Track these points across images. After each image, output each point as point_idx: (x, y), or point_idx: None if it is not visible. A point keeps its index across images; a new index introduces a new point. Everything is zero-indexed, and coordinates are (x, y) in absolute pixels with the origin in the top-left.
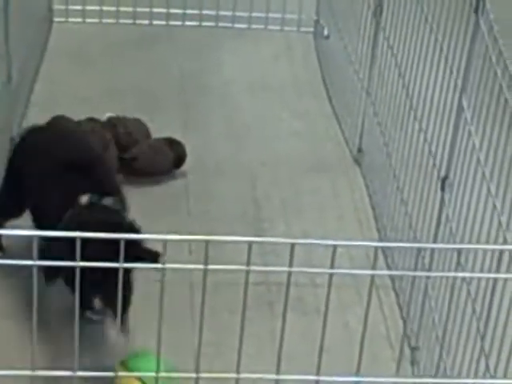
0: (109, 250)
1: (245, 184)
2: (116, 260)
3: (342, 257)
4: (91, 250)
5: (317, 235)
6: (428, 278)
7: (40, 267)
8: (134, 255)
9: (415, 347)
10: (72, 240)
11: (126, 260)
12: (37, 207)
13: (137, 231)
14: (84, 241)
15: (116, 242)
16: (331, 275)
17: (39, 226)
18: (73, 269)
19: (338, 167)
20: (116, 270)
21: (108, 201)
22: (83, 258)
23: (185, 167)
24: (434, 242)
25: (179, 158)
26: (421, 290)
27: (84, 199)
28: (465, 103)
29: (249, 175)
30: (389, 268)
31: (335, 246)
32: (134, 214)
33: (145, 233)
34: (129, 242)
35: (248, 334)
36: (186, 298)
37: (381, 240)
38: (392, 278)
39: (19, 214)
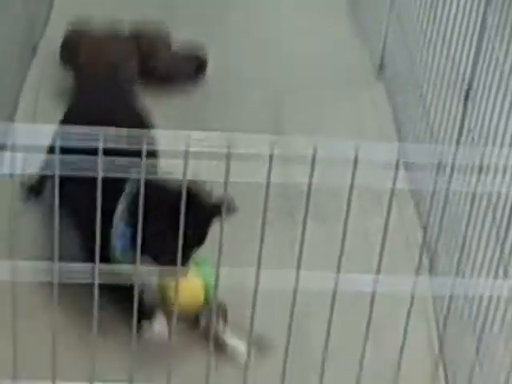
0: None
1: (266, 95)
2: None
3: (362, 170)
4: None
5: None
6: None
7: None
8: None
9: (434, 254)
10: None
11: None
12: None
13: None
14: None
15: None
16: (352, 184)
17: None
18: None
19: (361, 81)
20: None
21: None
22: None
23: (206, 76)
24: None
25: (201, 66)
26: (440, 200)
27: None
28: (489, 17)
29: (270, 87)
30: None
31: (357, 147)
32: (156, 123)
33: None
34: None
35: (269, 242)
36: None
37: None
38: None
39: None
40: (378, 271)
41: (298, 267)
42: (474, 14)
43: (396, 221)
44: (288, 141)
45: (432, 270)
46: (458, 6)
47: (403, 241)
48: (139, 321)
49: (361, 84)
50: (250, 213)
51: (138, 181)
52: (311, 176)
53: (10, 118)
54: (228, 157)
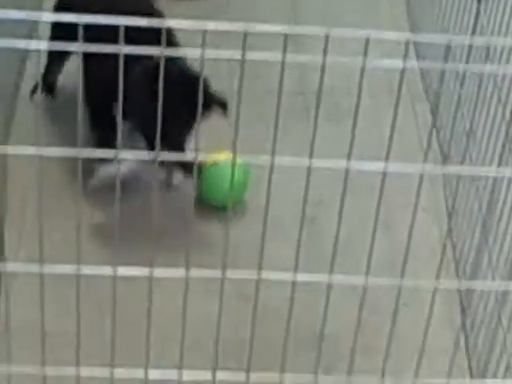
0: None
1: None
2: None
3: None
4: None
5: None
6: (457, 76)
7: None
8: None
9: (447, 155)
10: None
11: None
12: None
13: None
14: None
15: None
16: (363, 65)
17: None
18: None
19: None
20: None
21: None
22: None
23: None
24: (469, 52)
25: None
26: (453, 100)
27: None
28: None
29: None
30: (423, 77)
31: (368, 38)
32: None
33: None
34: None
35: (286, 140)
36: None
37: (416, 51)
38: (426, 88)
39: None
40: (387, 157)
41: (311, 154)
42: None
43: (410, 122)
44: (301, 32)
45: (443, 156)
46: None
47: (416, 140)
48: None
49: None
50: (267, 110)
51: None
52: (324, 56)
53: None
54: (243, 51)
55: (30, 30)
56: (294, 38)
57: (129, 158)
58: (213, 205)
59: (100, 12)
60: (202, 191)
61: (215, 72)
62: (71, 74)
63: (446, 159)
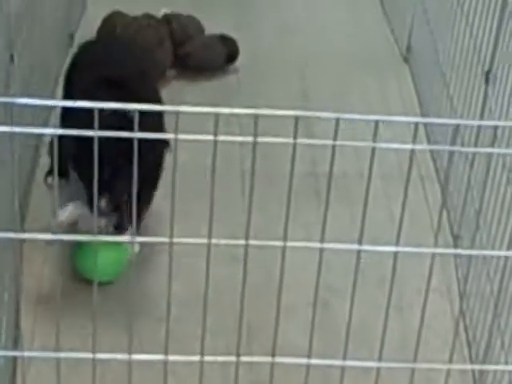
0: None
1: (295, 80)
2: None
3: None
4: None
5: (364, 130)
6: (466, 157)
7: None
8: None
9: (457, 235)
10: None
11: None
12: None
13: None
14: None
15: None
16: (374, 149)
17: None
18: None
19: (387, 65)
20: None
21: None
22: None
23: (237, 63)
24: (477, 134)
25: (232, 53)
26: (463, 181)
27: None
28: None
29: (299, 72)
30: (433, 159)
31: (377, 121)
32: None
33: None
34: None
35: (296, 222)
36: (237, 187)
37: (426, 133)
38: (437, 169)
39: None
40: (398, 240)
41: (322, 238)
42: None
43: (421, 203)
44: (313, 116)
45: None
46: None
47: (428, 222)
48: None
49: (387, 66)
50: (279, 192)
51: None
52: (333, 147)
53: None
54: (255, 135)
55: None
56: (304, 120)
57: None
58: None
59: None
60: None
61: (227, 154)
62: None
63: (456, 240)
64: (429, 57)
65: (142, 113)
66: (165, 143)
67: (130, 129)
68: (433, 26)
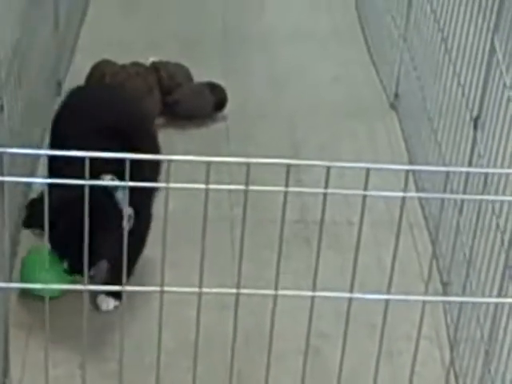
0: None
1: (284, 128)
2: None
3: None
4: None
5: (353, 177)
6: (455, 203)
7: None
8: None
9: (447, 282)
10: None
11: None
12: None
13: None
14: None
15: None
16: (364, 197)
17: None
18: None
19: (374, 112)
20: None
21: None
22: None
23: (225, 111)
24: (466, 180)
25: (220, 101)
26: (452, 228)
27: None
28: (497, 44)
29: (288, 119)
30: (422, 207)
31: (368, 169)
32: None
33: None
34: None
35: (286, 269)
36: (226, 235)
37: (415, 180)
38: (425, 216)
39: None
40: (389, 289)
41: (314, 285)
42: (482, 41)
43: (410, 251)
44: (304, 164)
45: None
46: (467, 33)
47: (417, 269)
48: None
49: (375, 113)
50: (269, 238)
51: None
52: (325, 196)
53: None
54: (247, 183)
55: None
56: (293, 168)
57: None
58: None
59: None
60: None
61: (217, 201)
62: None
63: (445, 286)
64: (416, 103)
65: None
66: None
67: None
68: (420, 73)
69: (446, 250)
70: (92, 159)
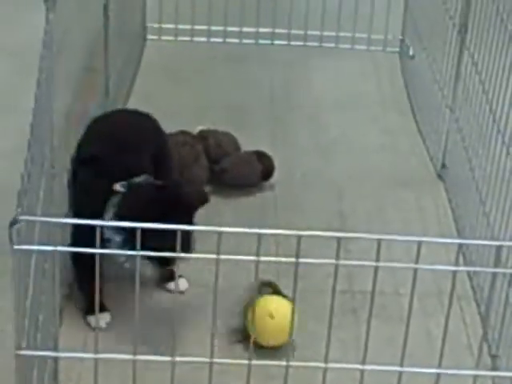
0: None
1: (331, 197)
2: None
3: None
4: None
5: (401, 247)
6: (504, 275)
7: None
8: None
9: (495, 355)
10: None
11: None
12: None
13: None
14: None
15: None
16: (415, 270)
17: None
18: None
19: (422, 182)
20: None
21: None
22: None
23: (273, 180)
24: None
25: (267, 170)
26: (501, 300)
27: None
28: None
29: (335, 188)
30: (470, 278)
31: (420, 242)
32: (223, 224)
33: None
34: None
35: (333, 339)
36: None
37: (462, 251)
38: (473, 287)
39: None
40: (440, 362)
41: (364, 358)
42: None
43: (458, 322)
44: (353, 237)
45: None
46: None
47: (465, 341)
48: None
49: (422, 183)
50: (316, 308)
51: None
52: (376, 269)
53: None
54: (297, 255)
55: None
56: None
57: None
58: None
59: None
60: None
61: (263, 271)
62: None
63: (494, 360)
64: (464, 174)
65: None
66: None
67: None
68: (468, 144)
69: (495, 322)
70: None
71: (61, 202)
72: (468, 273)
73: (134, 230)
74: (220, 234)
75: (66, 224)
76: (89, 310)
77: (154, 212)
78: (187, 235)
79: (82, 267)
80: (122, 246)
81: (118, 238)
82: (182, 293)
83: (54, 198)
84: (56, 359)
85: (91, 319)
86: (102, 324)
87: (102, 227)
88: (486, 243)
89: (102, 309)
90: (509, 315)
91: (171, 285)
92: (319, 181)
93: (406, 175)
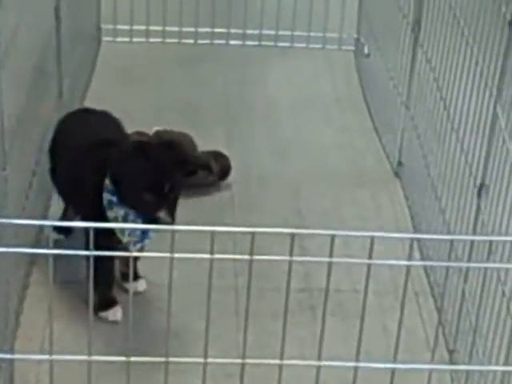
0: None
1: (288, 196)
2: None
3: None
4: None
5: (357, 244)
6: (460, 270)
7: None
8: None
9: (453, 350)
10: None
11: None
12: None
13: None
14: None
15: None
16: (369, 266)
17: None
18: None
19: (378, 180)
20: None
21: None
22: None
23: (229, 179)
24: (471, 247)
25: (224, 170)
26: (458, 295)
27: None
28: (499, 111)
29: (292, 187)
30: (427, 274)
31: (373, 238)
32: (180, 224)
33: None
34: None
35: (291, 337)
36: (231, 304)
37: (419, 248)
38: (430, 283)
39: None
40: (395, 357)
41: (320, 354)
42: (485, 108)
43: (416, 318)
44: (308, 233)
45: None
46: (469, 101)
47: (423, 337)
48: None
49: (379, 181)
50: (274, 307)
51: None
52: (330, 264)
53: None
54: (251, 252)
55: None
56: (297, 237)
57: None
58: None
59: None
60: None
61: (221, 271)
62: None
63: (451, 354)
64: (420, 171)
65: None
66: None
67: None
68: (423, 141)
69: (451, 317)
70: None
71: (15, 202)
72: (425, 269)
73: (141, 204)
74: (174, 232)
75: (18, 225)
76: (101, 306)
77: (144, 164)
78: (174, 202)
79: (101, 260)
80: (125, 219)
81: (121, 212)
82: (140, 293)
83: (6, 200)
84: (11, 361)
85: (108, 313)
86: (118, 317)
87: (102, 210)
88: (439, 237)
89: (114, 303)
90: (465, 310)
91: (129, 285)
92: (276, 180)
93: (363, 173)
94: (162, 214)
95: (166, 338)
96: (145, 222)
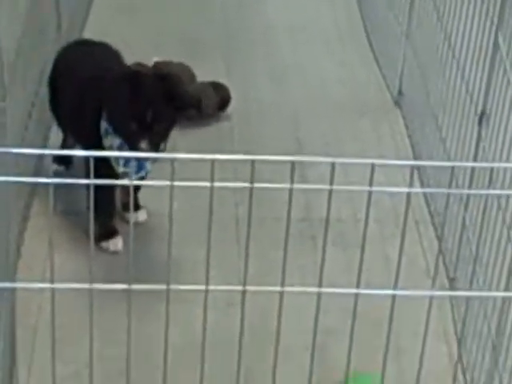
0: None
1: (288, 125)
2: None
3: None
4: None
5: (358, 174)
6: (461, 198)
7: None
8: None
9: (453, 278)
10: None
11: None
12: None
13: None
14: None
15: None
16: (370, 193)
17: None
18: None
19: (379, 109)
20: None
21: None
22: None
23: (229, 110)
24: (471, 176)
25: (224, 100)
26: (458, 223)
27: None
28: (500, 40)
29: (291, 117)
30: (427, 203)
31: (373, 165)
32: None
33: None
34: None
35: (292, 266)
36: (232, 233)
37: (420, 177)
38: (431, 212)
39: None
40: (396, 284)
41: (320, 281)
42: (486, 37)
43: (416, 247)
44: (308, 161)
45: (449, 280)
46: (471, 29)
47: (423, 265)
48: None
49: (379, 110)
50: (275, 236)
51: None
52: (330, 192)
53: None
54: (252, 180)
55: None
56: (297, 165)
57: None
58: None
59: None
60: None
61: (221, 200)
62: None
63: (452, 282)
64: (420, 100)
65: None
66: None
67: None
68: (423, 70)
69: (452, 245)
70: None
71: (14, 133)
72: (425, 198)
73: (126, 133)
74: (173, 160)
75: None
76: (102, 236)
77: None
78: (160, 135)
79: (101, 189)
80: (120, 149)
81: (117, 142)
82: (141, 223)
83: (5, 131)
84: (13, 291)
85: (109, 244)
86: (119, 247)
87: (100, 139)
88: (440, 164)
89: (116, 233)
90: (465, 238)
91: (130, 215)
92: (275, 109)
93: (363, 103)
94: (143, 145)
95: (167, 267)
96: (130, 151)
